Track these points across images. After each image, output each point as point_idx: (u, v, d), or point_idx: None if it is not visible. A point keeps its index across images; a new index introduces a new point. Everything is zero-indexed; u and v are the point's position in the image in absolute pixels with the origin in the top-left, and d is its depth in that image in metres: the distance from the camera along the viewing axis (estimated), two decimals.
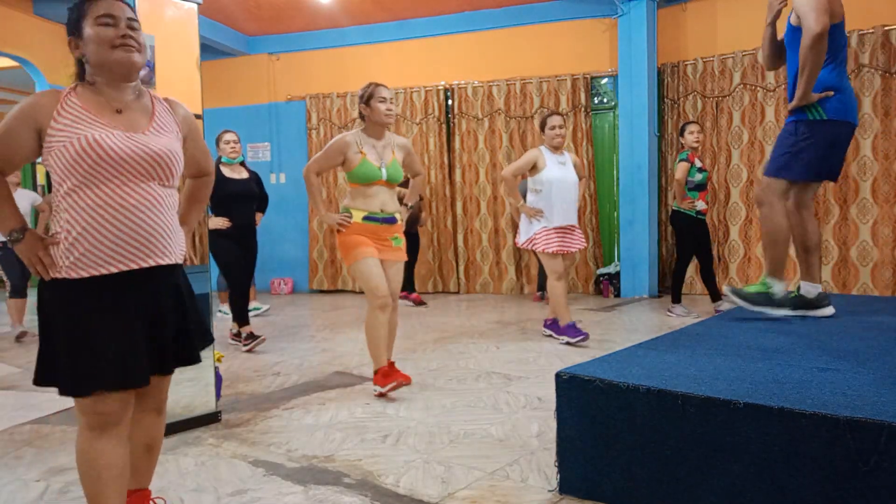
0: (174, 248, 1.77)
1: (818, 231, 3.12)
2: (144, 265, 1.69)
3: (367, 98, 3.39)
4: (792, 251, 3.17)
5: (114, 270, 1.65)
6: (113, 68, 1.68)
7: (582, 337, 4.49)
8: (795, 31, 2.89)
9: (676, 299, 5.74)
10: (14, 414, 3.33)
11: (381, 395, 3.36)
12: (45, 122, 1.63)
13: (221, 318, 6.13)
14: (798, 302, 3.02)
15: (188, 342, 1.83)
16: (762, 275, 3.08)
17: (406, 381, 3.41)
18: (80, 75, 1.74)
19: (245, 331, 4.81)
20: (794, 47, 2.91)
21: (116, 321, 1.66)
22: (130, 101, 1.74)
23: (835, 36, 2.81)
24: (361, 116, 3.46)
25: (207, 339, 1.92)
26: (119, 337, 1.66)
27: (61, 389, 1.67)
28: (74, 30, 1.70)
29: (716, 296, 5.76)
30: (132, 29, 1.70)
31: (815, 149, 2.87)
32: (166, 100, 1.85)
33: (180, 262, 1.81)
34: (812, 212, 3.10)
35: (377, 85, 3.42)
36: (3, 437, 2.98)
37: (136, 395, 1.78)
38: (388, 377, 3.35)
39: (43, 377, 1.70)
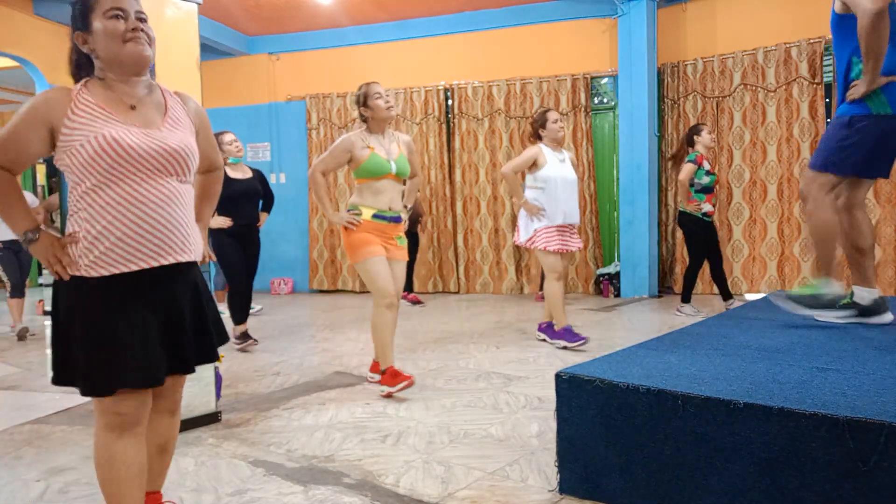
0: (192, 244, 1.75)
1: (872, 232, 2.90)
2: (165, 262, 1.67)
3: (364, 100, 3.43)
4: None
5: (134, 268, 1.63)
6: (124, 62, 1.65)
7: (581, 341, 4.39)
8: (841, 18, 2.66)
9: (686, 299, 5.72)
10: (14, 414, 3.33)
11: (389, 396, 3.37)
12: (58, 120, 1.60)
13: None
14: (852, 309, 2.85)
15: (208, 340, 1.81)
16: (812, 276, 2.92)
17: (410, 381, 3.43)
18: (76, 71, 1.70)
19: (239, 329, 4.82)
20: (839, 37, 2.71)
21: (136, 320, 1.64)
22: (143, 96, 1.71)
23: (891, 15, 2.50)
24: (363, 119, 3.48)
25: (224, 338, 1.90)
26: (139, 336, 1.64)
27: (83, 390, 1.63)
28: (82, 24, 1.66)
29: (727, 294, 5.75)
30: (141, 21, 1.67)
31: (870, 143, 2.63)
32: (177, 93, 1.83)
33: (198, 259, 1.79)
34: (865, 211, 2.88)
35: (369, 84, 3.45)
36: (3, 437, 2.98)
37: (153, 398, 1.77)
38: (397, 377, 3.36)
39: (62, 378, 1.66)
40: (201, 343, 1.79)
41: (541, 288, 7.03)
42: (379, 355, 3.45)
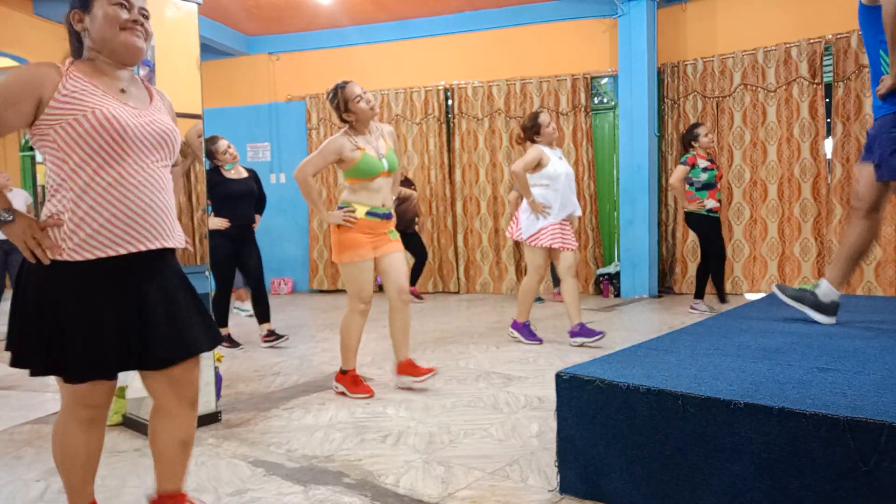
0: (177, 231, 1.75)
1: (872, 242, 2.74)
2: (153, 247, 1.65)
3: (345, 105, 3.32)
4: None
5: (122, 252, 1.60)
6: (117, 49, 1.65)
7: (536, 342, 4.63)
8: (869, 11, 2.48)
9: (700, 295, 5.73)
10: (14, 414, 3.33)
11: (342, 394, 3.44)
12: (48, 93, 1.55)
13: (236, 315, 6.16)
14: (811, 300, 2.80)
15: (208, 321, 1.80)
16: None
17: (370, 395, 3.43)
18: (77, 51, 1.70)
19: (224, 332, 4.83)
20: (868, 31, 2.54)
21: (122, 305, 1.62)
22: (128, 83, 1.72)
23: None
24: (344, 121, 3.38)
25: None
26: (126, 321, 1.62)
27: (67, 377, 1.61)
28: (81, 4, 1.66)
29: (699, 293, 5.76)
30: (144, 17, 1.69)
31: None
32: (155, 88, 1.85)
33: (182, 246, 1.78)
34: (880, 219, 2.70)
35: (343, 88, 3.32)
36: (3, 437, 2.98)
37: (172, 388, 1.76)
38: (359, 386, 3.41)
39: (45, 367, 1.59)
40: (204, 324, 1.78)
41: (556, 285, 6.99)
42: (343, 357, 3.48)
